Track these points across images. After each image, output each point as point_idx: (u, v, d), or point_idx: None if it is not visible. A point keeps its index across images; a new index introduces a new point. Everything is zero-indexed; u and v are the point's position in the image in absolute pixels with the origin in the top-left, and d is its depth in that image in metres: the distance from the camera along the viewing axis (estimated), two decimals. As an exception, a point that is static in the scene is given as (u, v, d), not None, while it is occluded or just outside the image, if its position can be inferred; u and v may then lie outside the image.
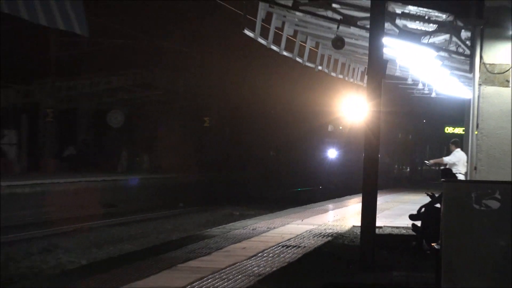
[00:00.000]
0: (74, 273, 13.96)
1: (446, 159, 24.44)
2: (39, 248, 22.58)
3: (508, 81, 14.45)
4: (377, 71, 13.17)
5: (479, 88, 14.63)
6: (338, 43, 18.59)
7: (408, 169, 50.76)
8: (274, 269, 13.26)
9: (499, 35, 14.75)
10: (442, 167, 22.57)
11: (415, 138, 38.64)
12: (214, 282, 11.36)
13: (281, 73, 31.55)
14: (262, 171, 34.79)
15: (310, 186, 33.80)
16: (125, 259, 15.17)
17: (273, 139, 36.82)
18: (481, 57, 14.68)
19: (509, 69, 14.57)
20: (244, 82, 34.80)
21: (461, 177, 21.59)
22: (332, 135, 35.98)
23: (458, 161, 22.90)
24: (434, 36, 17.02)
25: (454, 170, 21.89)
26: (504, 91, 14.77)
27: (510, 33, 14.82)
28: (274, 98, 33.88)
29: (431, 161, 29.45)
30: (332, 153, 36.68)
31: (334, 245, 17.44)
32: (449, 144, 24.65)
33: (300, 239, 18.13)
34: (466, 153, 20.60)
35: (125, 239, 24.69)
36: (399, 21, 16.10)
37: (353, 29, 17.33)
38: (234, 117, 37.33)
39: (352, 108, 33.81)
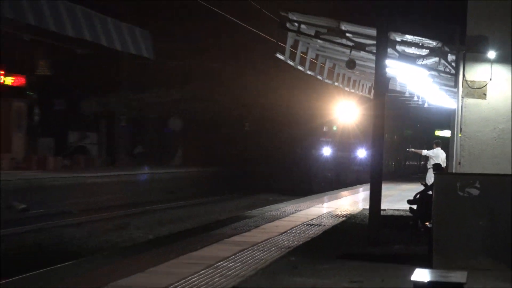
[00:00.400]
0: (143, 245, 14.36)
1: (424, 152, 24.99)
2: (115, 226, 22.49)
3: (485, 94, 14.57)
4: (381, 87, 13.78)
5: (462, 100, 14.75)
6: (351, 64, 18.40)
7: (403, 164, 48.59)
8: (301, 242, 13.59)
9: (477, 58, 14.86)
10: (434, 163, 21.56)
11: (411, 139, 37.26)
12: (253, 253, 11.77)
13: (296, 86, 31.36)
14: (289, 165, 33.34)
15: (317, 178, 34.08)
16: (183, 234, 15.52)
17: (295, 138, 35.66)
18: (463, 75, 14.77)
19: (485, 85, 14.67)
20: (272, 95, 34.63)
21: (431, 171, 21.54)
22: (330, 134, 36.13)
23: (435, 156, 22.82)
24: (426, 59, 16.67)
25: (431, 162, 22.69)
26: (482, 102, 14.96)
27: (486, 56, 14.70)
28: (293, 106, 33.53)
29: (412, 149, 29.93)
30: (327, 150, 35.88)
31: (348, 224, 17.13)
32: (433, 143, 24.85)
33: (321, 219, 17.71)
34: (452, 152, 18.52)
35: (182, 219, 24.48)
36: (398, 47, 15.89)
37: (362, 53, 16.84)
38: (267, 121, 37.12)
39: (345, 112, 34.35)
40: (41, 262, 13.43)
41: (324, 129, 35.83)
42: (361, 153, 35.94)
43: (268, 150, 37.01)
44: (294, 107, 35.72)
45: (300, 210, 19.91)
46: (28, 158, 28.10)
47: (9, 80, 29.45)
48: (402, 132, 40.66)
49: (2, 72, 28.90)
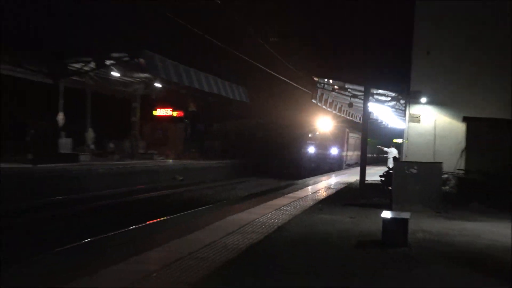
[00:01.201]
0: (243, 198, 16.64)
1: (385, 149, 26.91)
2: (228, 188, 24.14)
3: (419, 121, 16.13)
4: (366, 117, 15.77)
5: (408, 123, 16.56)
6: (350, 105, 20.36)
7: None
8: (322, 197, 14.71)
9: (416, 102, 16.68)
10: (393, 156, 23.03)
11: (380, 143, 36.86)
12: (300, 202, 13.06)
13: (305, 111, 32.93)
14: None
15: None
16: (261, 193, 17.72)
17: (291, 141, 36.85)
18: (408, 111, 16.69)
19: (419, 116, 16.30)
20: (288, 118, 36.30)
21: (391, 159, 22.88)
22: (313, 138, 34.35)
23: (390, 152, 24.34)
24: (389, 102, 18.69)
25: (390, 155, 23.61)
26: (418, 125, 16.70)
27: (420, 101, 16.51)
28: (296, 122, 34.70)
29: (380, 147, 30.77)
30: (312, 149, 34.19)
31: (348, 188, 17.99)
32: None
33: (334, 185, 18.88)
34: (402, 150, 19.57)
35: (259, 185, 25.58)
36: (375, 96, 17.88)
37: (357, 99, 18.58)
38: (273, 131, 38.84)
39: (324, 124, 33.71)
40: (193, 206, 15.56)
41: (310, 135, 35.05)
42: (334, 151, 34.14)
43: (274, 150, 38.32)
44: (296, 122, 37.40)
45: (320, 181, 21.18)
46: (185, 153, 34.32)
47: (175, 113, 39.44)
48: (375, 139, 40.42)
49: (171, 109, 39.21)
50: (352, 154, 39.05)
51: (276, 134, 40.24)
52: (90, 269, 5.18)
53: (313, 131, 34.95)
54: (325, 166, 33.31)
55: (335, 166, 34.06)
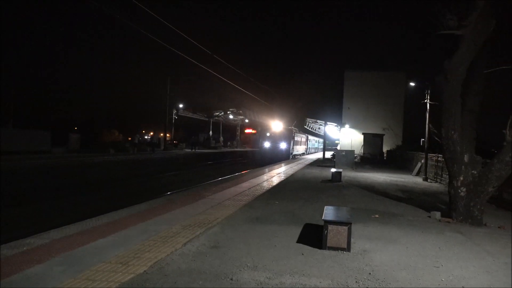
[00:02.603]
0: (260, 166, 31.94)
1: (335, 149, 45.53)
2: (245, 164, 39.86)
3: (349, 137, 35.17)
4: (325, 133, 34.52)
5: (340, 134, 36.10)
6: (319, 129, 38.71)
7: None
8: (310, 162, 31.66)
9: (343, 126, 36.50)
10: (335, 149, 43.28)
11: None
12: (295, 166, 30.38)
13: None
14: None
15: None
16: (267, 164, 32.90)
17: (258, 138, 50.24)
18: (340, 129, 36.46)
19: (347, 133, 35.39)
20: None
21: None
22: (270, 136, 42.91)
23: (336, 149, 41.87)
24: (334, 126, 37.82)
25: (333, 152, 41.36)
26: (344, 135, 36.23)
27: (347, 126, 35.90)
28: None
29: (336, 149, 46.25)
30: (267, 144, 42.46)
31: (318, 161, 35.16)
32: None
33: (311, 160, 36.38)
34: (337, 147, 39.23)
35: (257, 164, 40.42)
36: (329, 124, 36.50)
37: (319, 125, 37.28)
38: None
39: (276, 126, 45.16)
40: (238, 170, 32.56)
41: (267, 134, 43.61)
42: (283, 145, 41.59)
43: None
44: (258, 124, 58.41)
45: (303, 158, 39.30)
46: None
47: (253, 131, 68.69)
48: (327, 142, 54.77)
49: (252, 129, 76.97)
50: (298, 148, 47.12)
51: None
52: (222, 186, 24.34)
53: (269, 131, 43.03)
54: (278, 156, 40.07)
55: (284, 156, 40.93)
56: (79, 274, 4.99)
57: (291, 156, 41.43)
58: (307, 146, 50.46)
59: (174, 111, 50.08)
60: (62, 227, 7.39)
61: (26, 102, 52.28)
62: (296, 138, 45.35)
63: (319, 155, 45.03)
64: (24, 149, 31.73)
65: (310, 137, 51.93)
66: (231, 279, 5.09)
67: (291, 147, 42.27)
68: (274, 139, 41.60)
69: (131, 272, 5.15)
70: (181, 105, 52.82)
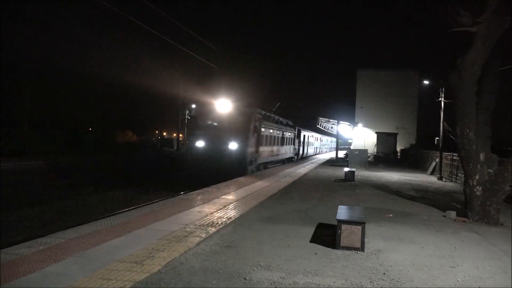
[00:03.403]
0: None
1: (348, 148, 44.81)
2: None
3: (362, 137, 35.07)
4: (337, 132, 34.22)
5: (353, 134, 36.28)
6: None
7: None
8: (320, 162, 31.25)
9: (358, 125, 36.61)
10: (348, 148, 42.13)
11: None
12: (310, 166, 29.90)
13: None
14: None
15: None
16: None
17: None
18: (353, 128, 36.18)
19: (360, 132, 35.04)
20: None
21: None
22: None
23: (350, 149, 41.54)
24: (347, 125, 37.71)
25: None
26: (356, 134, 36.26)
27: (360, 125, 35.70)
28: None
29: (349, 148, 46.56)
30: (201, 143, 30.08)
31: (331, 160, 34.89)
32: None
33: (320, 160, 35.75)
34: (350, 146, 39.74)
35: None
36: (341, 123, 36.31)
37: (341, 124, 37.15)
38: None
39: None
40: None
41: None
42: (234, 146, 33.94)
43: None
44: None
45: (315, 157, 38.92)
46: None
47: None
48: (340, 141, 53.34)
49: None
50: (310, 148, 42.98)
51: None
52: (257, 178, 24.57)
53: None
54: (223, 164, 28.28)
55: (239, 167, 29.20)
56: (94, 273, 5.03)
57: (295, 158, 33.85)
58: (318, 145, 49.31)
59: (187, 111, 48.56)
60: (77, 227, 7.44)
61: (41, 103, 50.78)
62: (305, 138, 40.77)
63: (332, 154, 44.37)
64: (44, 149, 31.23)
65: (322, 136, 51.57)
66: (245, 279, 5.08)
67: (294, 147, 33.18)
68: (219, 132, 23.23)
69: (145, 271, 5.17)
70: (194, 105, 50.63)
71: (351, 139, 44.71)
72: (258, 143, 23.64)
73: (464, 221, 9.43)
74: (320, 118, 40.04)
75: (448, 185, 18.18)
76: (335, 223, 6.68)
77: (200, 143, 21.16)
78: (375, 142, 37.82)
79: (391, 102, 41.72)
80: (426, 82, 25.87)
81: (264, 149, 25.40)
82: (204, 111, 22.42)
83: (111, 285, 4.69)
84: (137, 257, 5.72)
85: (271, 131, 26.60)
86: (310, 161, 31.62)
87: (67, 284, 4.64)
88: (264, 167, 25.31)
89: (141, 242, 6.50)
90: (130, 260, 5.61)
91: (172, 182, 19.74)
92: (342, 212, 7.06)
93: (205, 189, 13.62)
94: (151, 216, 8.62)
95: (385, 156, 36.79)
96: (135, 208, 10.71)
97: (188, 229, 7.55)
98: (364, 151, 29.44)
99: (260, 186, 15.70)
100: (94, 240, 6.49)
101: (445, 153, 21.54)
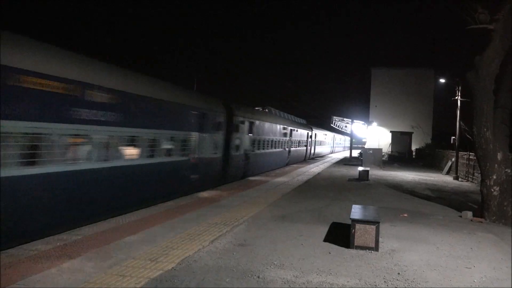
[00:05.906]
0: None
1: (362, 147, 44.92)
2: None
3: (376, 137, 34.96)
4: (351, 131, 34.14)
5: (368, 133, 36.22)
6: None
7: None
8: (333, 162, 31.06)
9: (373, 125, 36.20)
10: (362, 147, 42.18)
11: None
12: (323, 165, 30.03)
13: None
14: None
15: None
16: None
17: None
18: (367, 127, 35.79)
19: (375, 131, 34.60)
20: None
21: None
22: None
23: (363, 148, 41.28)
24: (362, 124, 37.50)
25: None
26: (371, 133, 36.01)
27: (374, 124, 35.63)
28: None
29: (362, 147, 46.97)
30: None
31: (345, 159, 34.68)
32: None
33: (334, 159, 35.48)
34: (364, 145, 39.25)
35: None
36: (355, 122, 35.89)
37: (346, 124, 36.77)
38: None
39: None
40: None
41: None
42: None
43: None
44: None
45: (328, 156, 39.13)
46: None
47: None
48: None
49: None
50: (324, 147, 42.20)
51: None
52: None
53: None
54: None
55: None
56: (109, 270, 5.09)
57: (308, 157, 33.05)
58: (332, 144, 49.02)
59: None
60: (94, 224, 7.50)
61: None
62: (319, 137, 39.07)
63: (346, 153, 44.25)
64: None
65: (336, 135, 51.49)
66: (258, 277, 5.09)
67: (307, 147, 32.06)
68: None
69: (159, 269, 5.21)
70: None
71: (365, 138, 44.71)
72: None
73: (481, 222, 9.32)
74: (334, 117, 39.91)
75: (464, 185, 17.97)
76: (349, 222, 6.67)
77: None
78: (390, 141, 37.49)
79: (406, 101, 41.53)
80: (442, 80, 25.44)
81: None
82: None
83: (125, 281, 4.71)
84: (151, 254, 5.73)
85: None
86: (323, 160, 31.73)
87: (83, 281, 4.66)
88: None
89: (156, 240, 6.49)
90: (145, 257, 5.60)
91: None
92: (356, 212, 7.04)
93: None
94: (170, 213, 8.63)
95: (400, 155, 36.34)
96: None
97: (201, 228, 7.52)
98: (379, 150, 29.04)
99: (274, 184, 15.68)
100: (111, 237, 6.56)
101: (461, 152, 21.25)
